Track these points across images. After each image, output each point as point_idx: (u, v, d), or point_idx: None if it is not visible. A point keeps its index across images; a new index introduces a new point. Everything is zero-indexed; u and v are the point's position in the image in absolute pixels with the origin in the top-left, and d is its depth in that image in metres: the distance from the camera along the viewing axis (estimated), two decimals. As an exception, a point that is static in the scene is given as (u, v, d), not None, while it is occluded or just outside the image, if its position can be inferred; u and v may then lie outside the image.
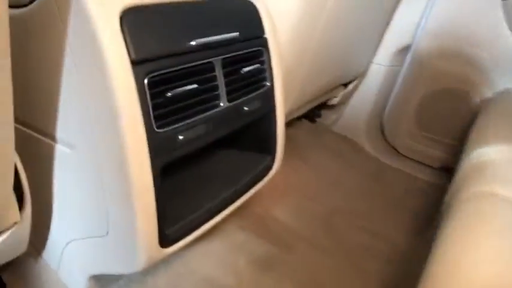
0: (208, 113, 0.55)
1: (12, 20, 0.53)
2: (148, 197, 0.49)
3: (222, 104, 0.57)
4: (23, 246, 0.62)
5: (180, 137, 0.51)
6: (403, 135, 1.46)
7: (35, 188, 0.63)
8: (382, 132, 1.54)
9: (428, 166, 1.43)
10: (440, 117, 1.34)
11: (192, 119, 0.53)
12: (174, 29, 0.49)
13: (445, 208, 0.62)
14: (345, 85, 1.40)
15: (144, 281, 0.73)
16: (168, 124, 0.50)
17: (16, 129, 0.62)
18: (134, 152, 0.46)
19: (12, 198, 0.56)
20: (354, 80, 1.40)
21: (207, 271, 0.79)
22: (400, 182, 1.38)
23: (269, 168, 0.75)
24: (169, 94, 0.49)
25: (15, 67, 0.56)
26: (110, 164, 0.48)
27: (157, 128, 0.48)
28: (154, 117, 0.48)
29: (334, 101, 1.43)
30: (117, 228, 0.52)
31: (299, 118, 1.61)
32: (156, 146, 0.48)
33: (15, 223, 0.57)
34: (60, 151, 0.54)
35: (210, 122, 0.55)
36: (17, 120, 0.62)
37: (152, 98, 0.47)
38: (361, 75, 1.42)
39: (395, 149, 1.51)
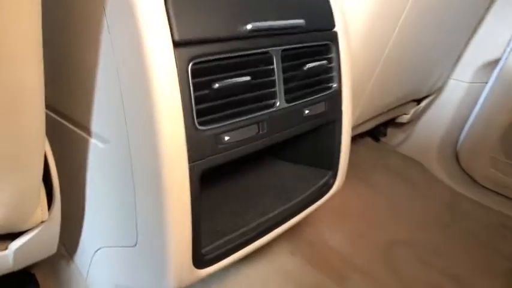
0: (261, 113, 0.46)
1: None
2: (183, 207, 0.41)
3: (278, 104, 0.48)
4: (52, 248, 0.57)
5: (226, 138, 0.42)
6: (483, 162, 1.27)
7: (67, 186, 0.58)
8: (457, 157, 1.36)
9: (512, 199, 1.23)
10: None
11: (242, 118, 0.44)
12: (227, 9, 0.41)
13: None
14: (418, 101, 1.25)
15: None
16: (213, 121, 0.42)
17: (52, 119, 0.58)
18: (170, 151, 0.38)
19: (40, 194, 0.51)
20: (427, 96, 1.25)
21: (248, 298, 0.69)
22: (477, 216, 1.19)
23: (329, 186, 0.64)
24: (216, 86, 0.41)
25: (54, 51, 0.52)
26: (142, 164, 0.41)
27: (200, 125, 0.40)
28: (197, 112, 0.40)
29: (404, 118, 1.29)
30: (146, 239, 0.44)
31: (361, 135, 1.48)
32: (196, 146, 0.40)
33: (43, 222, 0.53)
34: (94, 146, 0.48)
35: (263, 124, 0.46)
36: (53, 110, 0.58)
37: (195, 89, 0.39)
38: (436, 92, 1.26)
39: (473, 178, 1.31)
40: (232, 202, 0.56)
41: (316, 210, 0.74)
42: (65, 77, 0.48)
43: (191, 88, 0.39)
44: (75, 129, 0.50)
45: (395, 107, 1.12)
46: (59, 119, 0.53)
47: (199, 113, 0.40)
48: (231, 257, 0.49)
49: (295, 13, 0.48)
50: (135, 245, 0.46)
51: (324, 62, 0.54)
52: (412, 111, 1.25)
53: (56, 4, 0.45)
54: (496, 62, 1.19)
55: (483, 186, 1.29)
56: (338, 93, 0.58)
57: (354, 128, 1.00)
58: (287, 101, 0.49)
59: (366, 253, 0.95)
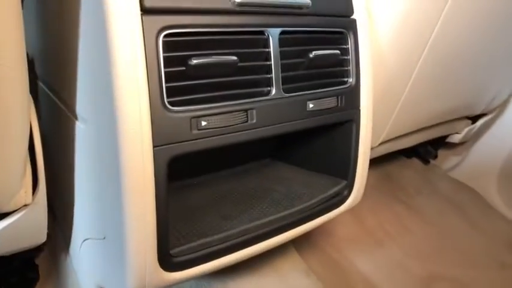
0: (250, 100, 0.41)
1: None
2: (146, 197, 0.36)
3: (273, 92, 0.42)
4: (40, 235, 0.55)
5: (203, 123, 0.37)
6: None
7: (57, 171, 0.56)
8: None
9: None
10: None
11: (225, 103, 0.39)
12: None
13: None
14: (472, 120, 1.11)
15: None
16: (188, 103, 0.37)
17: (48, 97, 0.57)
18: (130, 132, 0.34)
19: (25, 175, 0.49)
20: (485, 115, 1.10)
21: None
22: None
23: (343, 197, 0.56)
24: (193, 62, 0.36)
25: (49, 31, 0.50)
26: (107, 147, 0.37)
27: (171, 105, 0.36)
28: (167, 90, 0.35)
29: (456, 138, 1.15)
30: (111, 232, 0.40)
31: (408, 156, 1.35)
32: (164, 128, 0.35)
33: (26, 205, 0.51)
34: (79, 128, 0.45)
35: (252, 112, 0.41)
36: (47, 85, 0.57)
37: (167, 64, 0.35)
38: (496, 110, 1.12)
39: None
40: (226, 204, 0.50)
41: (343, 229, 0.65)
42: (53, 52, 0.46)
43: (161, 62, 0.34)
44: (65, 109, 0.48)
45: (442, 123, 1.00)
46: (53, 97, 0.52)
47: (171, 92, 0.36)
48: (207, 264, 0.42)
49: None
50: (104, 238, 0.42)
51: (337, 51, 0.47)
52: (465, 131, 1.11)
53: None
54: None
55: (551, 222, 1.11)
56: (354, 89, 0.50)
57: (390, 141, 0.91)
58: (285, 91, 0.43)
59: (400, 286, 0.83)
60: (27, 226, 0.52)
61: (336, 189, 0.54)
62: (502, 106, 1.12)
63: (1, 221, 0.51)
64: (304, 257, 0.79)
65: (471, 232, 1.07)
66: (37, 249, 0.68)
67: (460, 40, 0.73)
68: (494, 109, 1.11)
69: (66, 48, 0.42)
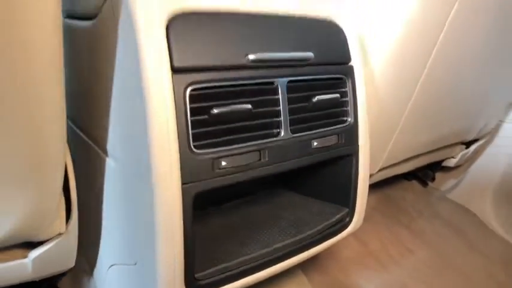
0: (263, 141, 0.47)
1: (79, 30, 0.55)
2: (175, 228, 0.41)
3: (282, 134, 0.49)
4: (70, 261, 0.61)
5: (223, 163, 0.43)
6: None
7: (86, 201, 0.62)
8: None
9: None
10: None
11: (241, 145, 0.45)
12: (228, 39, 0.43)
13: None
14: (466, 145, 1.17)
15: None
16: (210, 146, 0.43)
17: (76, 135, 0.63)
18: (162, 171, 0.40)
19: (59, 206, 0.54)
20: (478, 140, 1.16)
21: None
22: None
23: (345, 223, 0.61)
24: (215, 111, 0.42)
25: (79, 73, 0.57)
26: (141, 183, 0.43)
27: (196, 148, 0.42)
28: (193, 136, 0.41)
29: (451, 162, 1.21)
30: (143, 258, 0.45)
31: (408, 179, 1.41)
32: (191, 168, 0.41)
33: (61, 234, 0.56)
34: (109, 165, 0.51)
35: (265, 152, 0.47)
36: (77, 126, 0.63)
37: (193, 113, 0.41)
38: (489, 135, 1.18)
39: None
40: (240, 231, 0.56)
41: (349, 254, 0.69)
42: (90, 101, 0.53)
43: (188, 113, 0.41)
44: (95, 146, 0.54)
45: (438, 149, 1.06)
46: (82, 134, 0.58)
47: (196, 137, 0.42)
48: (227, 286, 0.48)
49: (304, 46, 0.49)
50: (135, 263, 0.47)
51: (337, 95, 0.54)
52: (459, 155, 1.17)
53: (86, 40, 0.51)
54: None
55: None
56: (353, 127, 0.57)
57: (389, 167, 0.96)
58: (292, 132, 0.50)
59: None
60: (59, 253, 0.58)
61: (338, 216, 0.60)
62: (493, 132, 1.19)
63: (37, 248, 0.56)
64: (310, 279, 0.84)
65: (470, 253, 1.11)
66: (61, 273, 0.73)
67: (452, 74, 0.80)
68: (485, 135, 1.17)
69: (100, 93, 0.49)
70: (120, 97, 0.45)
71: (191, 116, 0.41)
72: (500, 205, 1.25)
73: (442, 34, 0.66)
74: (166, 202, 0.40)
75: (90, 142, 0.57)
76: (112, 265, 0.58)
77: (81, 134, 0.61)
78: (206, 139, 0.43)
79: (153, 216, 0.41)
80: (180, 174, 0.41)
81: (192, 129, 0.41)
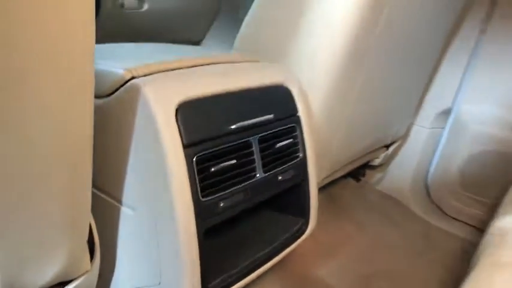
0: (246, 183, 0.65)
1: (95, 107, 0.69)
2: (194, 254, 0.59)
3: (258, 175, 0.68)
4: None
5: (221, 204, 0.61)
6: (448, 196, 1.46)
7: (102, 241, 0.76)
8: (428, 192, 1.55)
9: (474, 227, 1.41)
10: (483, 178, 1.34)
11: (232, 189, 0.63)
12: (218, 116, 0.61)
13: (468, 273, 0.65)
14: (387, 147, 1.45)
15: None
16: (212, 194, 0.61)
17: (93, 192, 0.76)
18: (183, 216, 0.57)
19: (86, 249, 0.68)
20: (395, 142, 1.45)
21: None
22: (446, 243, 1.36)
23: (302, 231, 0.82)
24: (212, 169, 0.60)
25: (95, 143, 0.71)
26: (163, 225, 0.59)
27: (203, 197, 0.59)
28: (200, 188, 0.59)
29: (376, 161, 1.48)
30: (167, 279, 0.62)
31: (344, 177, 1.67)
32: (201, 211, 0.59)
33: (87, 271, 0.70)
34: (124, 212, 0.66)
35: (248, 191, 0.65)
36: (94, 185, 0.76)
37: (199, 173, 0.58)
38: (402, 137, 1.47)
39: (442, 210, 1.49)
40: (229, 248, 0.74)
41: (304, 249, 0.89)
42: (108, 165, 0.67)
43: (196, 173, 0.58)
44: (112, 200, 0.68)
45: (366, 154, 1.32)
46: (101, 194, 0.72)
47: (202, 189, 0.59)
48: (230, 288, 0.66)
49: (266, 110, 0.68)
50: (159, 284, 0.63)
51: (291, 140, 0.74)
52: (382, 156, 1.45)
53: (101, 115, 0.65)
54: (450, 110, 1.41)
55: (450, 217, 1.47)
56: (304, 160, 0.77)
57: (331, 174, 1.19)
58: (264, 172, 0.69)
59: (351, 285, 1.11)
60: (86, 286, 0.71)
61: (297, 226, 0.80)
62: (405, 135, 1.48)
63: (69, 285, 0.69)
64: (280, 276, 1.04)
65: (395, 232, 1.38)
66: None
67: (375, 94, 1.03)
68: (399, 138, 1.46)
69: (116, 160, 0.63)
70: (137, 162, 0.60)
71: (198, 175, 0.58)
72: (416, 191, 1.56)
73: (364, 70, 0.89)
74: (187, 236, 0.57)
75: (102, 195, 0.71)
76: None
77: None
78: (208, 189, 0.60)
79: (178, 246, 0.57)
80: (195, 217, 0.58)
81: (199, 184, 0.58)
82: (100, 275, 0.81)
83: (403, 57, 1.04)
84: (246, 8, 0.92)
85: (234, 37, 0.93)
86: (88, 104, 0.47)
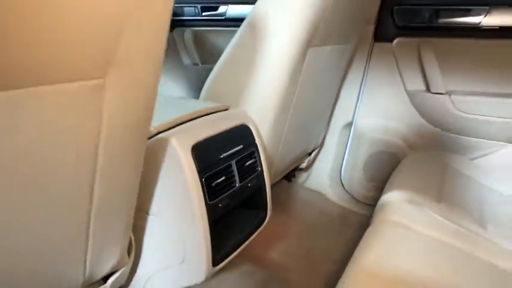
0: (231, 190, 1.03)
1: None
2: (208, 237, 0.95)
3: (237, 185, 1.06)
4: (124, 279, 1.05)
5: (220, 205, 0.99)
6: (357, 185, 1.97)
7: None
8: (342, 184, 2.05)
9: (376, 207, 1.93)
10: (378, 170, 1.87)
11: (224, 195, 1.01)
12: (213, 150, 0.99)
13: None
14: (309, 153, 1.92)
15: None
16: (214, 199, 0.98)
17: None
18: (200, 213, 0.93)
19: (126, 248, 1.00)
20: (315, 149, 1.93)
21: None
22: (358, 222, 1.86)
23: (263, 220, 1.22)
24: (213, 184, 0.97)
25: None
26: (187, 221, 0.94)
27: (209, 201, 0.96)
28: (208, 196, 0.95)
29: (303, 165, 1.94)
30: (190, 256, 0.97)
31: (280, 180, 2.10)
32: (209, 210, 0.95)
33: (126, 264, 1.01)
34: (151, 218, 1.00)
35: (232, 195, 1.03)
36: None
37: (206, 187, 0.95)
38: (319, 145, 1.95)
39: (353, 196, 2.00)
40: (222, 233, 1.10)
41: (261, 236, 1.30)
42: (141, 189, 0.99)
43: (205, 187, 0.94)
44: (138, 212, 1.01)
45: (296, 161, 1.77)
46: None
47: (209, 195, 0.96)
48: (223, 262, 1.03)
49: (238, 143, 1.07)
50: (182, 261, 0.98)
51: (254, 159, 1.13)
52: (306, 160, 1.91)
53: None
54: (351, 123, 1.92)
55: (360, 201, 1.98)
56: (261, 172, 1.18)
57: (273, 179, 1.61)
58: (240, 182, 1.07)
59: (294, 257, 1.53)
60: (124, 276, 1.03)
61: (259, 218, 1.20)
62: (322, 143, 1.97)
63: (114, 275, 0.99)
64: (244, 256, 1.42)
65: (320, 218, 1.85)
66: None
67: (302, 117, 1.47)
68: (318, 146, 1.94)
69: (150, 186, 0.97)
70: (166, 186, 0.95)
71: (206, 188, 0.95)
72: (333, 185, 2.05)
73: (293, 103, 1.32)
74: (203, 226, 0.94)
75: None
76: (153, 274, 1.05)
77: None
78: (212, 196, 0.97)
79: (200, 233, 0.93)
80: (206, 213, 0.94)
81: (207, 193, 0.95)
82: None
83: (318, 90, 1.50)
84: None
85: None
86: (142, 153, 0.81)
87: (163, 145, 0.91)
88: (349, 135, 1.96)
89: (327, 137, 1.98)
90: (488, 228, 1.12)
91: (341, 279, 0.89)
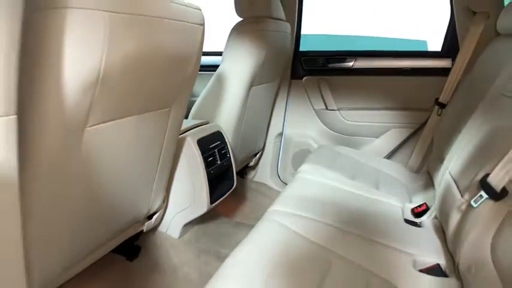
0: (215, 165, 1.89)
1: None
2: (207, 188, 1.79)
3: (218, 162, 1.92)
4: (160, 219, 1.85)
5: (211, 172, 1.84)
6: (289, 176, 2.90)
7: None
8: (279, 176, 2.97)
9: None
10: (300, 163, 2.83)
11: (212, 167, 1.86)
12: (207, 143, 1.84)
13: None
14: (255, 154, 2.83)
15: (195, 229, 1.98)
16: (208, 168, 1.83)
17: None
18: (203, 175, 1.77)
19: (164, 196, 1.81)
20: (259, 151, 2.84)
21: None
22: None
23: (232, 184, 2.09)
24: (207, 160, 1.82)
25: None
26: (196, 181, 1.78)
27: (206, 169, 1.80)
28: (206, 166, 1.80)
29: (251, 164, 2.85)
30: (196, 200, 1.80)
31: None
32: (207, 174, 1.80)
33: (160, 208, 1.81)
34: (175, 181, 1.81)
35: (216, 168, 1.89)
36: None
37: (204, 162, 1.80)
38: (262, 148, 2.87)
39: (286, 183, 2.93)
40: (213, 189, 1.94)
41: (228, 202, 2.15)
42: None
43: (205, 163, 1.79)
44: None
45: (247, 159, 2.66)
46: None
47: (207, 167, 1.80)
48: (215, 203, 1.88)
49: (216, 142, 1.94)
50: (190, 204, 1.80)
51: (225, 150, 2.00)
52: (254, 160, 2.81)
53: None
54: (282, 133, 2.87)
55: (291, 186, 2.90)
56: (229, 157, 2.05)
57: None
58: (220, 161, 1.93)
59: (245, 219, 2.39)
60: (159, 216, 1.83)
61: (231, 183, 2.07)
62: (264, 147, 2.90)
63: (154, 216, 1.79)
64: (213, 214, 2.26)
65: (263, 198, 2.74)
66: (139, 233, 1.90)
67: (252, 124, 2.38)
68: (261, 149, 2.85)
69: (174, 165, 1.79)
70: (183, 165, 1.78)
71: (205, 163, 1.79)
72: (273, 177, 2.95)
73: (246, 112, 2.22)
74: (205, 181, 1.78)
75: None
76: (176, 213, 1.86)
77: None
78: (208, 167, 1.82)
79: (204, 185, 1.77)
80: (205, 176, 1.78)
81: (206, 166, 1.79)
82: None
83: (258, 111, 2.43)
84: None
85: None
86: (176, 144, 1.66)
87: (183, 140, 1.76)
88: (280, 141, 2.89)
89: (266, 143, 2.86)
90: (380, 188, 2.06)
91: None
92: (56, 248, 1.12)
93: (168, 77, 1.28)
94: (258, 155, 2.71)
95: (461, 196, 1.24)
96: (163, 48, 1.17)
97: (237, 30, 2.04)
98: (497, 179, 1.04)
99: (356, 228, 1.37)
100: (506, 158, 1.03)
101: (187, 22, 1.24)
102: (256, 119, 2.42)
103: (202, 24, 1.32)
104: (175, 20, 1.18)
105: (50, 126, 0.93)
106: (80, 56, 0.90)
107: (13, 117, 0.75)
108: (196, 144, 1.77)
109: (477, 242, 1.05)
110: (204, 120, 2.05)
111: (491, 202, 1.03)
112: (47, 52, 0.85)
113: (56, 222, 1.08)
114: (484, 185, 1.08)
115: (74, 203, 1.11)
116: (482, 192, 1.07)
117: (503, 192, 1.02)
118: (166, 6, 1.13)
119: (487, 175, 1.09)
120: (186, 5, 1.25)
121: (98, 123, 1.06)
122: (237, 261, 1.10)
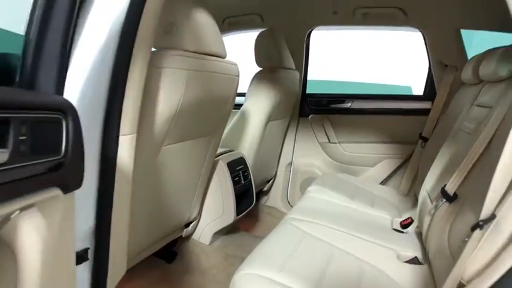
0: (240, 184, 2.33)
1: None
2: (234, 202, 2.22)
3: (242, 182, 2.36)
4: (194, 228, 2.26)
5: (237, 189, 2.27)
6: (297, 200, 3.32)
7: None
8: (288, 201, 3.39)
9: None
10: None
11: (238, 185, 2.30)
12: (234, 166, 2.30)
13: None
14: (268, 181, 3.27)
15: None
16: (235, 186, 2.26)
17: None
18: (231, 191, 2.21)
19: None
20: (271, 178, 3.28)
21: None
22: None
23: (251, 202, 2.52)
24: (234, 180, 2.27)
25: None
26: (226, 193, 2.21)
27: (234, 186, 2.24)
28: (233, 184, 2.24)
29: (265, 189, 3.27)
30: (226, 211, 2.22)
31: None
32: (234, 191, 2.23)
33: (196, 218, 2.23)
34: (208, 195, 2.24)
35: (240, 187, 2.33)
36: None
37: (232, 181, 2.24)
38: (274, 177, 3.31)
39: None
40: (238, 204, 2.37)
41: (246, 220, 2.56)
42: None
43: (232, 182, 2.23)
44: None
45: (261, 184, 3.10)
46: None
47: (234, 185, 2.24)
48: (239, 215, 2.30)
49: (241, 164, 2.39)
50: (222, 213, 2.22)
51: (247, 173, 2.45)
52: (267, 185, 3.24)
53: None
54: (291, 162, 3.32)
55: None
56: (250, 179, 2.49)
57: (250, 192, 2.91)
58: (243, 181, 2.37)
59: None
60: (194, 225, 2.25)
61: (251, 201, 2.50)
62: (275, 175, 3.34)
63: (188, 226, 2.20)
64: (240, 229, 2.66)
65: (274, 221, 3.15)
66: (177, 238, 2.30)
67: (266, 155, 2.83)
68: (273, 176, 3.29)
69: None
70: (215, 180, 2.22)
71: (233, 182, 2.23)
72: (283, 201, 3.37)
73: (263, 143, 2.68)
74: (232, 196, 2.21)
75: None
76: (208, 223, 2.27)
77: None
78: (235, 186, 2.26)
79: (232, 198, 2.20)
80: (233, 192, 2.22)
81: (233, 184, 2.23)
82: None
83: (272, 142, 2.90)
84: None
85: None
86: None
87: (216, 163, 2.21)
88: (290, 170, 3.31)
89: (278, 171, 3.26)
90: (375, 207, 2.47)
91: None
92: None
93: (213, 113, 1.77)
94: (270, 182, 3.12)
95: (431, 204, 1.67)
96: (213, 93, 1.66)
97: (257, 77, 2.56)
98: (451, 187, 1.48)
99: (354, 231, 1.80)
100: (457, 170, 1.47)
101: (229, 74, 1.74)
102: (270, 150, 2.89)
103: (238, 76, 1.82)
104: (222, 73, 1.67)
105: (143, 142, 1.39)
106: (168, 97, 1.39)
107: (134, 135, 1.21)
108: (227, 166, 2.22)
109: (439, 235, 1.47)
110: (230, 148, 2.52)
111: (447, 204, 1.46)
112: (151, 92, 1.34)
113: (132, 215, 1.52)
114: (443, 192, 1.51)
115: (142, 202, 1.55)
116: (442, 198, 1.50)
117: (455, 196, 1.45)
118: (217, 64, 1.63)
119: (445, 185, 1.52)
120: (227, 62, 1.75)
121: (170, 144, 1.53)
122: (262, 249, 1.52)
